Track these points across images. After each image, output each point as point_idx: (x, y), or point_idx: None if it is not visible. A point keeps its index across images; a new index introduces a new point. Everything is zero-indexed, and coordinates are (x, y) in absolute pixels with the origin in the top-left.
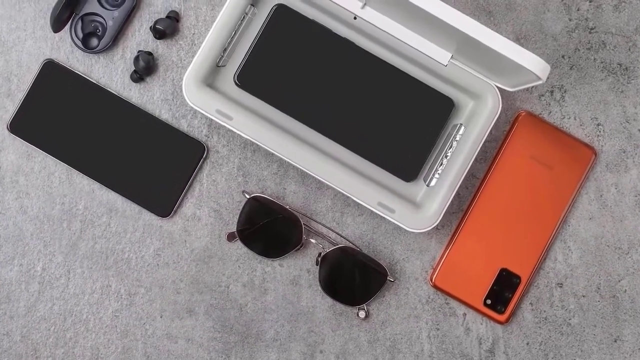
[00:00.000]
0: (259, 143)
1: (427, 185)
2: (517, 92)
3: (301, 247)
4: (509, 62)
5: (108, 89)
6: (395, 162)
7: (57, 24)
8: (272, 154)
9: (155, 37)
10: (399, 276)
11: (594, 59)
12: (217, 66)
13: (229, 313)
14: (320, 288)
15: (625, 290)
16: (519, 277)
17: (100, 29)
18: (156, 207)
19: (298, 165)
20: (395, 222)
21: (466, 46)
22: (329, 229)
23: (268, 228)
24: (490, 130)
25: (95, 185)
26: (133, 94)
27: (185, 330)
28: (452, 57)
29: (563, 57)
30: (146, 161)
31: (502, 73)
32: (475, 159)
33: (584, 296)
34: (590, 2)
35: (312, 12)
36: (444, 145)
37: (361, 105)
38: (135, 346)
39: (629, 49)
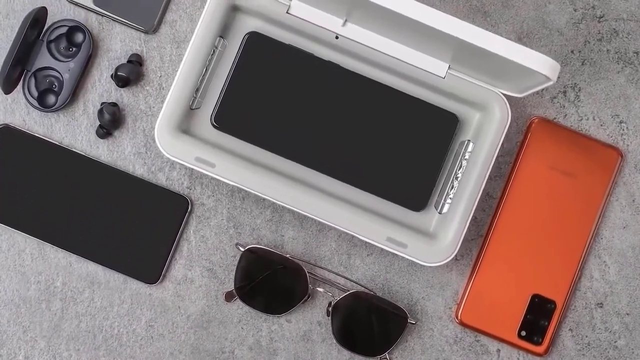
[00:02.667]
0: (247, 189)
1: (440, 213)
2: (527, 97)
3: (308, 298)
4: (514, 65)
5: (73, 150)
6: (400, 191)
7: (8, 85)
8: (264, 199)
9: (118, 86)
10: (420, 317)
11: (607, 50)
12: (190, 109)
13: None
14: (335, 341)
15: None
16: (553, 302)
17: (56, 84)
18: (142, 273)
19: (294, 208)
20: (409, 257)
21: (464, 53)
22: (337, 274)
23: (269, 282)
24: (502, 143)
25: (72, 257)
26: (101, 151)
27: None
28: (449, 67)
29: (572, 52)
30: (125, 224)
31: (507, 78)
32: (489, 176)
33: (628, 314)
34: None
35: (288, 37)
36: (452, 166)
37: (356, 133)
38: None
39: None
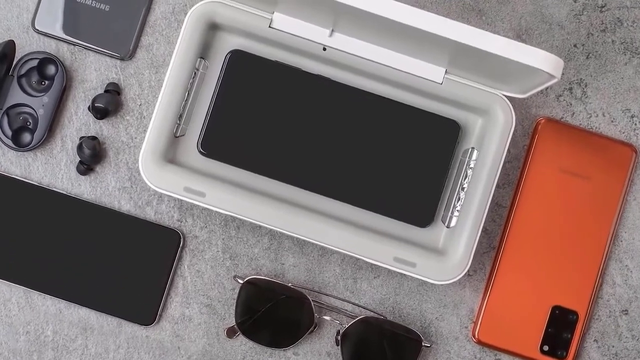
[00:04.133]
0: (241, 217)
1: (448, 227)
2: (531, 97)
3: (315, 328)
4: (514, 65)
5: (54, 189)
6: (404, 207)
7: None
8: (260, 226)
9: (96, 118)
10: (435, 339)
11: (612, 41)
12: (175, 137)
13: None
14: None
15: None
16: (575, 313)
17: (30, 120)
18: (137, 315)
19: (293, 234)
20: (419, 276)
21: (461, 56)
22: (344, 300)
23: (272, 314)
24: (508, 148)
25: (62, 304)
26: (84, 189)
27: None
28: (446, 72)
29: (575, 46)
30: (115, 264)
31: (508, 79)
32: (497, 185)
33: None
34: None
35: (273, 53)
36: (457, 176)
37: (352, 149)
38: None
39: None
